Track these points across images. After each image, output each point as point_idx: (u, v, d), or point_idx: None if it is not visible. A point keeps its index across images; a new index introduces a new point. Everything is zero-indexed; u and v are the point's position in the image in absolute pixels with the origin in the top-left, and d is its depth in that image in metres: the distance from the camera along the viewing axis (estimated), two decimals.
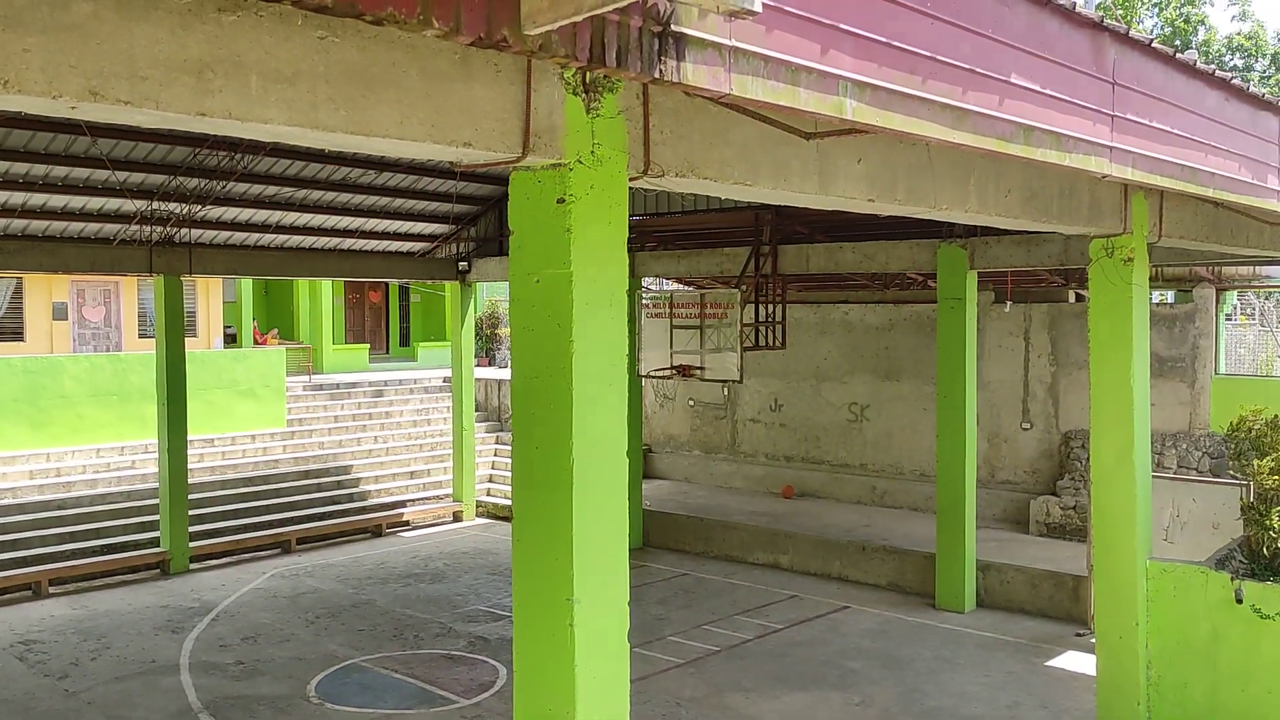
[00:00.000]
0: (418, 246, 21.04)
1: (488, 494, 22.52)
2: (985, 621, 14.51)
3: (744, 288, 16.80)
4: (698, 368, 16.57)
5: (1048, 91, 5.08)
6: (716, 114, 5.04)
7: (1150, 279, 12.95)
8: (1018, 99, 4.85)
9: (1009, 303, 17.78)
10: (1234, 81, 7.28)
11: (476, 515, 21.86)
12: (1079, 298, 18.48)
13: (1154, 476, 10.07)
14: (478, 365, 25.32)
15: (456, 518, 21.61)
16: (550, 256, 4.63)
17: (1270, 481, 8.55)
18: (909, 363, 19.34)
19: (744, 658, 13.14)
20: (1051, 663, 12.90)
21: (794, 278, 18.20)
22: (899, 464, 19.62)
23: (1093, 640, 10.23)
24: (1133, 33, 5.96)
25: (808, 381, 20.80)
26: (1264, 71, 39.24)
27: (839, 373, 20.42)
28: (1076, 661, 12.75)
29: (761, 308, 17.13)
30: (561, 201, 4.56)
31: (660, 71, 3.41)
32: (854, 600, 15.59)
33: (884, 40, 4.05)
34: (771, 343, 17.25)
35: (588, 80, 4.49)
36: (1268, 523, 8.48)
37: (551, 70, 4.43)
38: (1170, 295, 20.29)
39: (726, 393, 21.71)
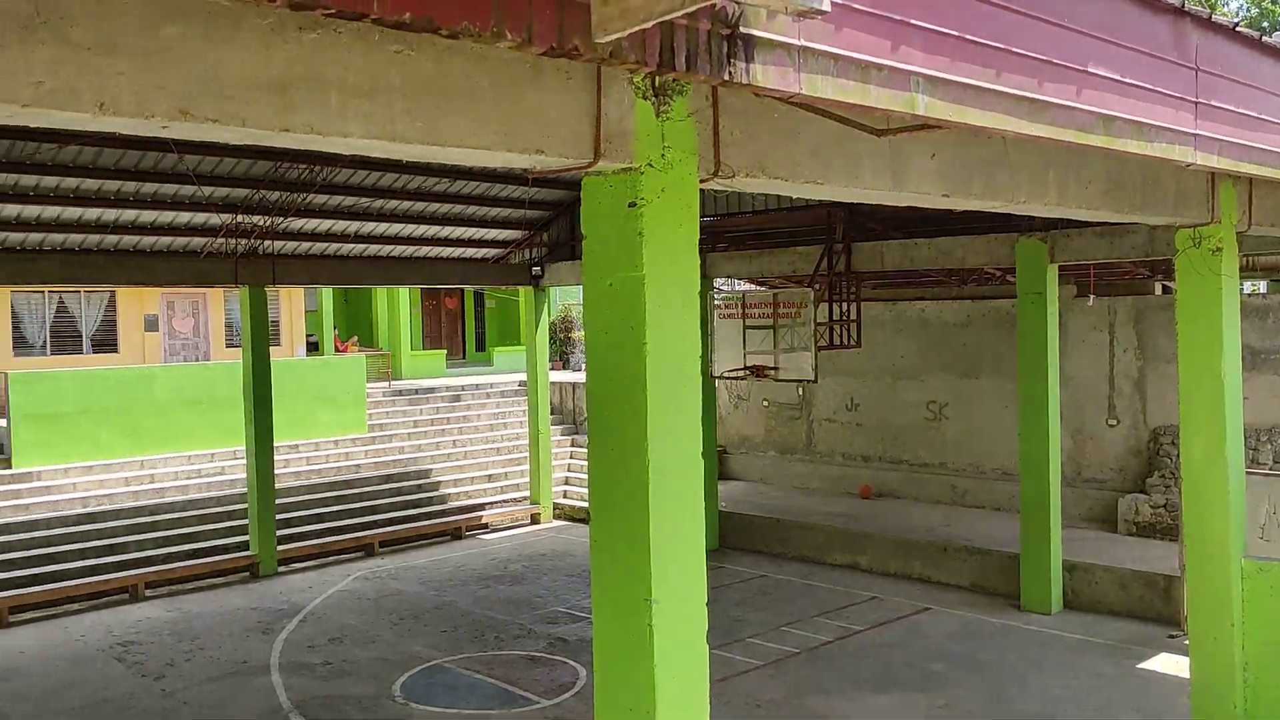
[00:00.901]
0: (492, 252, 21.29)
1: (564, 496, 22.68)
2: (1073, 623, 14.20)
3: (817, 286, 16.67)
4: (771, 368, 16.48)
5: (1128, 80, 4.97)
6: (786, 113, 5.02)
7: (1241, 269, 12.59)
8: (1096, 89, 4.75)
9: (1092, 296, 17.37)
10: None
11: (553, 517, 22.03)
12: (1166, 290, 18.01)
13: (1248, 473, 9.75)
14: (552, 369, 25.55)
15: (534, 520, 21.80)
16: (623, 260, 4.66)
17: None
18: (989, 359, 19.02)
19: (824, 659, 13.05)
20: (1143, 665, 12.59)
21: (868, 275, 18.01)
22: (980, 463, 19.31)
23: (1186, 642, 9.97)
24: (1216, 16, 5.80)
25: (884, 380, 20.57)
26: None
27: (916, 371, 20.16)
28: (1169, 664, 12.41)
29: (835, 306, 16.99)
30: (633, 205, 4.59)
31: (730, 74, 3.42)
32: (936, 601, 15.38)
33: (955, 34, 4.00)
34: (846, 341, 17.10)
35: (657, 84, 4.51)
36: None
37: (621, 75, 4.46)
38: (1263, 285, 19.69)
39: (801, 393, 21.57)
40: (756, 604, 15.55)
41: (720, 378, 17.87)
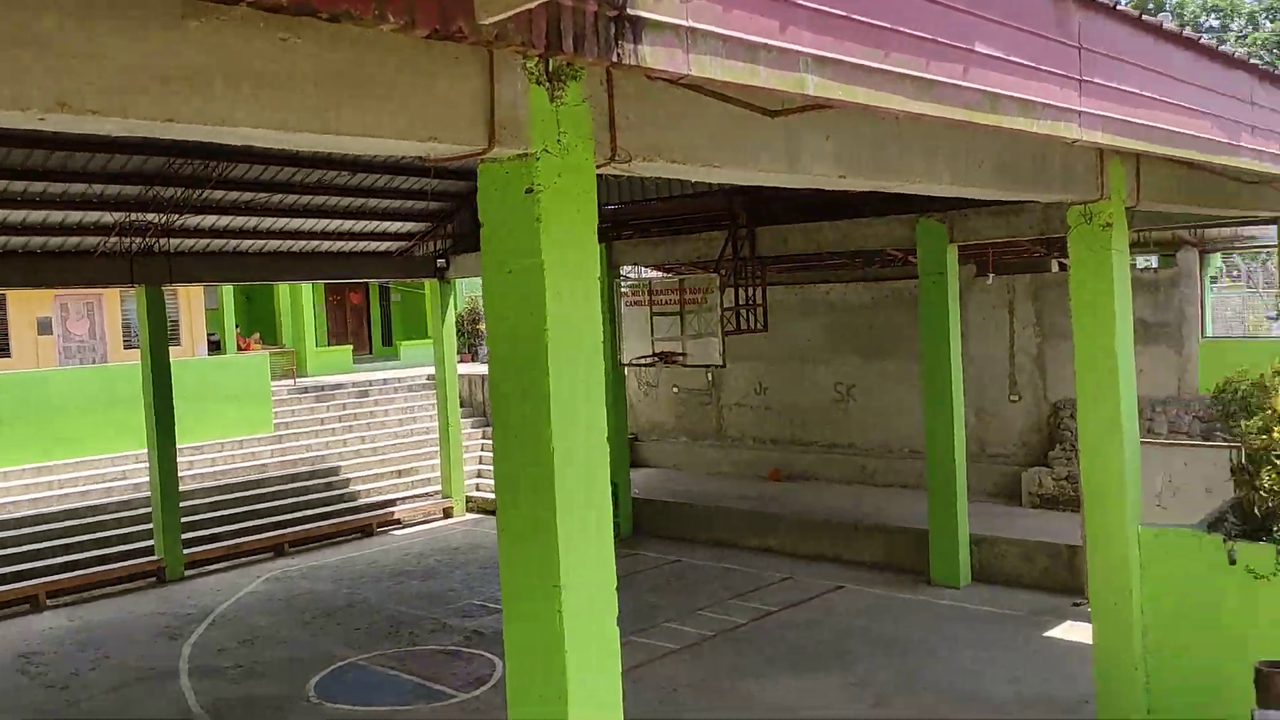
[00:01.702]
0: (396, 245, 20.99)
1: (476, 489, 22.50)
2: (981, 596, 14.55)
3: (723, 272, 16.80)
4: (680, 354, 16.58)
5: (1013, 58, 5.06)
6: (681, 97, 5.02)
7: (1132, 244, 12.94)
8: (983, 67, 4.83)
9: (991, 275, 17.80)
10: (1203, 41, 7.27)
11: (466, 510, 21.86)
12: (1062, 267, 18.52)
13: (1143, 443, 10.05)
14: (460, 361, 25.27)
15: (446, 514, 21.62)
16: (521, 247, 4.62)
17: (1259, 442, 8.56)
18: (894, 340, 19.35)
19: (739, 642, 13.18)
20: (1049, 634, 12.95)
21: (773, 259, 18.19)
22: (888, 442, 19.66)
23: (1089, 610, 10.27)
24: None
25: (792, 363, 20.81)
26: (1240, 30, 39.39)
27: (823, 353, 20.43)
28: (1074, 632, 12.74)
29: (741, 291, 17.13)
30: (530, 191, 4.55)
31: (618, 55, 3.39)
32: (848, 580, 15.63)
33: (843, 14, 4.03)
34: (753, 326, 17.25)
35: (550, 69, 4.47)
36: (1257, 483, 8.48)
37: (514, 61, 4.42)
38: (1154, 260, 20.37)
39: (710, 378, 21.72)
40: (671, 589, 15.63)
41: (629, 365, 17.93)
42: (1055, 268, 18.58)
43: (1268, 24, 39.39)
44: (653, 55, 3.48)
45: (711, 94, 5.00)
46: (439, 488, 22.20)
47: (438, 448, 22.45)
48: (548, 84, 4.53)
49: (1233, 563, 8.28)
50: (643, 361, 17.36)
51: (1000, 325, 18.29)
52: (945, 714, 10.68)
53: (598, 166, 4.86)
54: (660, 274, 21.21)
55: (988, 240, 15.16)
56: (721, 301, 16.27)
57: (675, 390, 22.62)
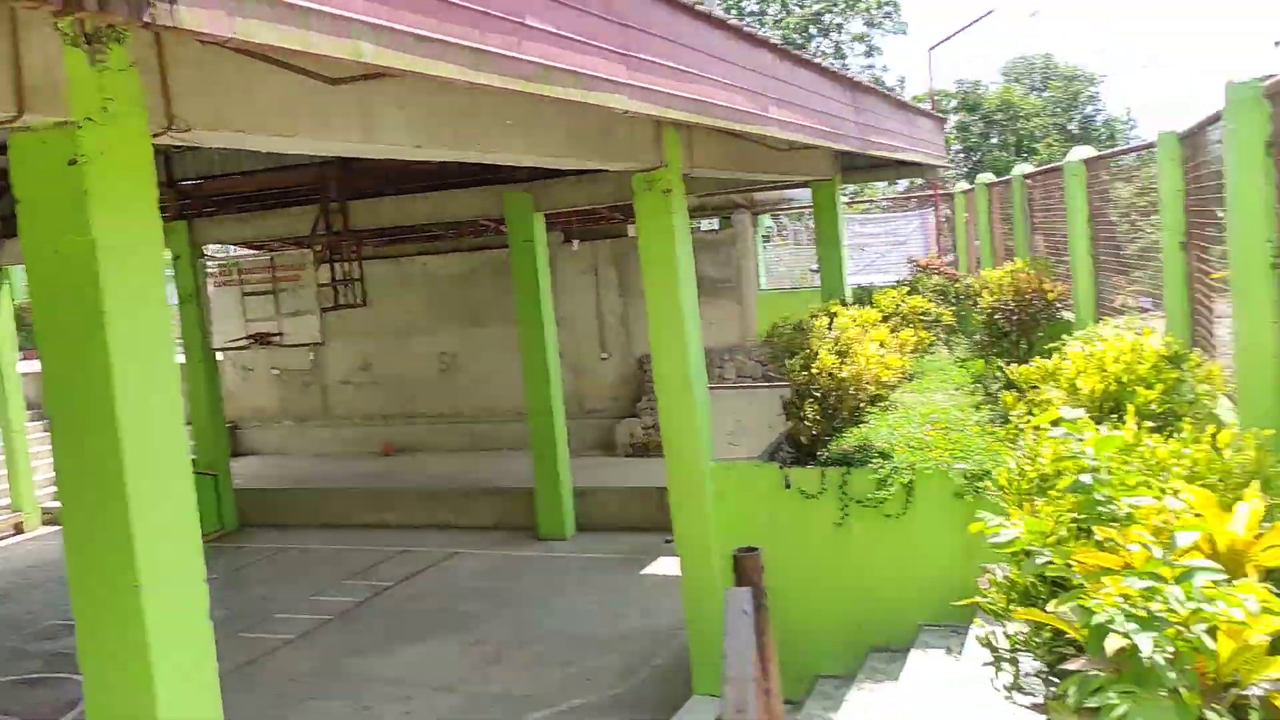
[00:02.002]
0: None
1: (53, 499, 20.36)
2: (586, 544, 15.37)
3: (317, 247, 16.34)
4: (276, 334, 15.98)
5: (564, 33, 5.39)
6: (244, 63, 4.87)
7: (694, 209, 14.09)
8: (536, 41, 5.11)
9: (576, 242, 18.67)
10: (731, 22, 8.10)
11: (42, 524, 19.74)
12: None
13: (713, 388, 11.06)
14: (24, 358, 22.63)
15: (18, 529, 19.41)
16: (68, 224, 4.29)
17: (801, 378, 9.71)
18: (492, 307, 19.78)
19: (358, 621, 13.05)
20: (646, 571, 13.96)
21: (369, 233, 17.94)
22: (493, 407, 20.12)
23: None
24: None
25: (395, 337, 20.69)
26: (776, 15, 43.76)
27: (426, 325, 20.49)
28: (668, 566, 13.72)
29: (338, 266, 16.74)
30: (74, 162, 4.24)
31: (152, 16, 3.25)
32: (462, 545, 15.91)
33: None
34: (352, 301, 16.93)
35: (87, 30, 4.18)
36: (803, 415, 9.64)
37: (44, 20, 4.08)
38: (716, 223, 22.30)
39: (312, 357, 21.10)
40: (283, 579, 15.13)
41: (221, 349, 17.01)
42: (632, 232, 19.82)
43: (798, 9, 44.15)
44: (191, 16, 3.37)
45: (277, 62, 4.89)
46: (7, 502, 19.84)
47: (2, 458, 20.04)
48: (86, 46, 4.23)
49: (788, 487, 9.35)
50: (237, 345, 16.53)
51: (588, 288, 19.27)
52: (556, 658, 11.25)
53: (154, 136, 4.61)
54: (251, 252, 20.21)
55: (570, 208, 15.87)
56: (317, 277, 15.84)
57: (276, 373, 21.72)
